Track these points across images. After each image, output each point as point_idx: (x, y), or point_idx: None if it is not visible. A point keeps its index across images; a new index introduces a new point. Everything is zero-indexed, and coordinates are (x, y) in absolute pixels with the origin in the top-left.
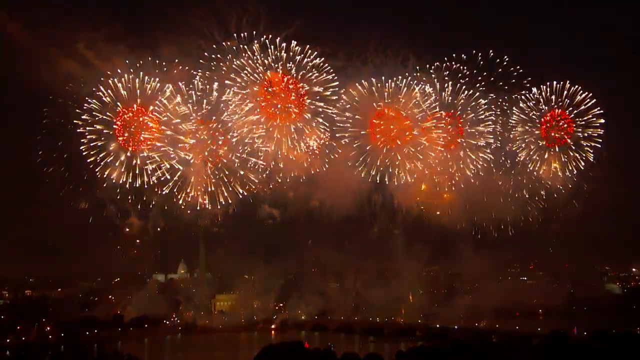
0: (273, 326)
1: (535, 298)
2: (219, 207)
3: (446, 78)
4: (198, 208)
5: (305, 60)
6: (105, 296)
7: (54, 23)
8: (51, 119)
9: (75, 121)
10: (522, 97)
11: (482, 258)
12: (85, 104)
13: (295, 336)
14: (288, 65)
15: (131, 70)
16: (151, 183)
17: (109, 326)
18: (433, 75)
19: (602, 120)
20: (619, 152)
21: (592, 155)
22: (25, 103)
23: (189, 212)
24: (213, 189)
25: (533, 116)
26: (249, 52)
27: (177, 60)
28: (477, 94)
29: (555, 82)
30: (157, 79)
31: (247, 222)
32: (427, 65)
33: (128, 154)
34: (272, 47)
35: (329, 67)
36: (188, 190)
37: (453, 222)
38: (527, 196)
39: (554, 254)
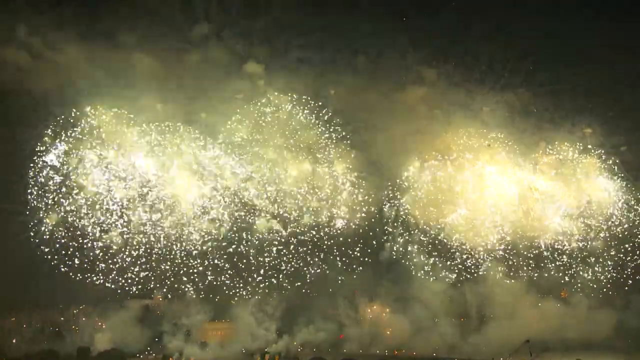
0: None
1: (575, 327)
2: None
3: None
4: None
5: None
6: (68, 326)
7: None
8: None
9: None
10: None
11: (513, 281)
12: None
13: None
14: None
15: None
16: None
17: None
18: None
19: None
20: None
21: None
22: None
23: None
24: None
25: None
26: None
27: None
28: None
29: None
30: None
31: (243, 237)
32: None
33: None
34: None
35: None
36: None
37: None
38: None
39: (598, 276)
